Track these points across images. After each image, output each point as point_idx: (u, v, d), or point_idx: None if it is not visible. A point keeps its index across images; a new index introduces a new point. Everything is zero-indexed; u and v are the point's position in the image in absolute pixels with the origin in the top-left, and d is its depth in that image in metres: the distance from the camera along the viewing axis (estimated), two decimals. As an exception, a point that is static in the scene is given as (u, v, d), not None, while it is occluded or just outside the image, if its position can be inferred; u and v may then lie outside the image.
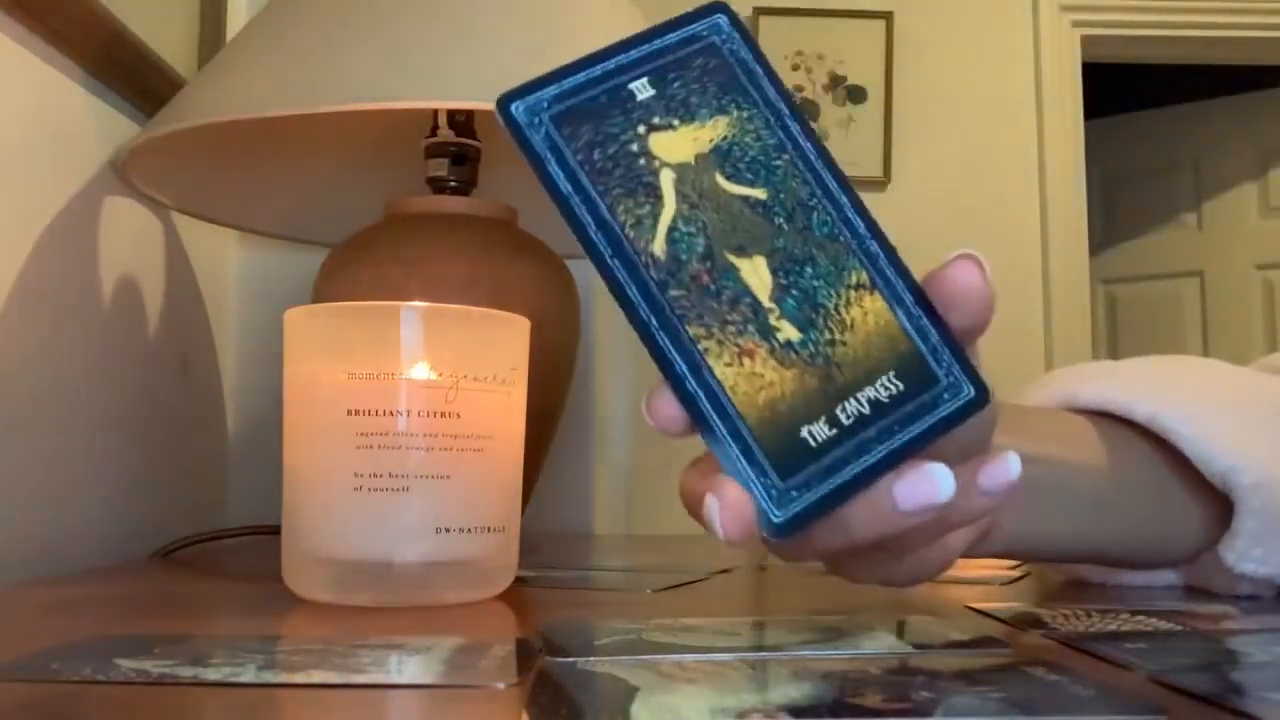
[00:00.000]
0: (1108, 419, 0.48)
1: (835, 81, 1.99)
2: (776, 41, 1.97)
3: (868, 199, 0.34)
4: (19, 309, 0.67)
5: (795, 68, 1.98)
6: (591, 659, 0.32)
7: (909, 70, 2.04)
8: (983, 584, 0.54)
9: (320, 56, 0.65)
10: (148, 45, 0.82)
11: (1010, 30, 2.11)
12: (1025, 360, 1.99)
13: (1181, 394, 0.48)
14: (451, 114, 0.79)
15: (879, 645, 0.34)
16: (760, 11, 1.98)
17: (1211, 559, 0.48)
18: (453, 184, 0.79)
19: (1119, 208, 3.37)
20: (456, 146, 0.79)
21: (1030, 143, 2.09)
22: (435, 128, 0.80)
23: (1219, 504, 0.47)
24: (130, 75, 0.80)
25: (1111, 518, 0.46)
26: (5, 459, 0.65)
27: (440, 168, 0.79)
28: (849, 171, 0.34)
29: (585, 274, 0.88)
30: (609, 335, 1.20)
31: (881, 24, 2.03)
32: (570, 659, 0.32)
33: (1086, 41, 2.16)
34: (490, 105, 0.64)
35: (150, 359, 0.86)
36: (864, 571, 0.39)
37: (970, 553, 0.42)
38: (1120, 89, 3.13)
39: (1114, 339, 3.33)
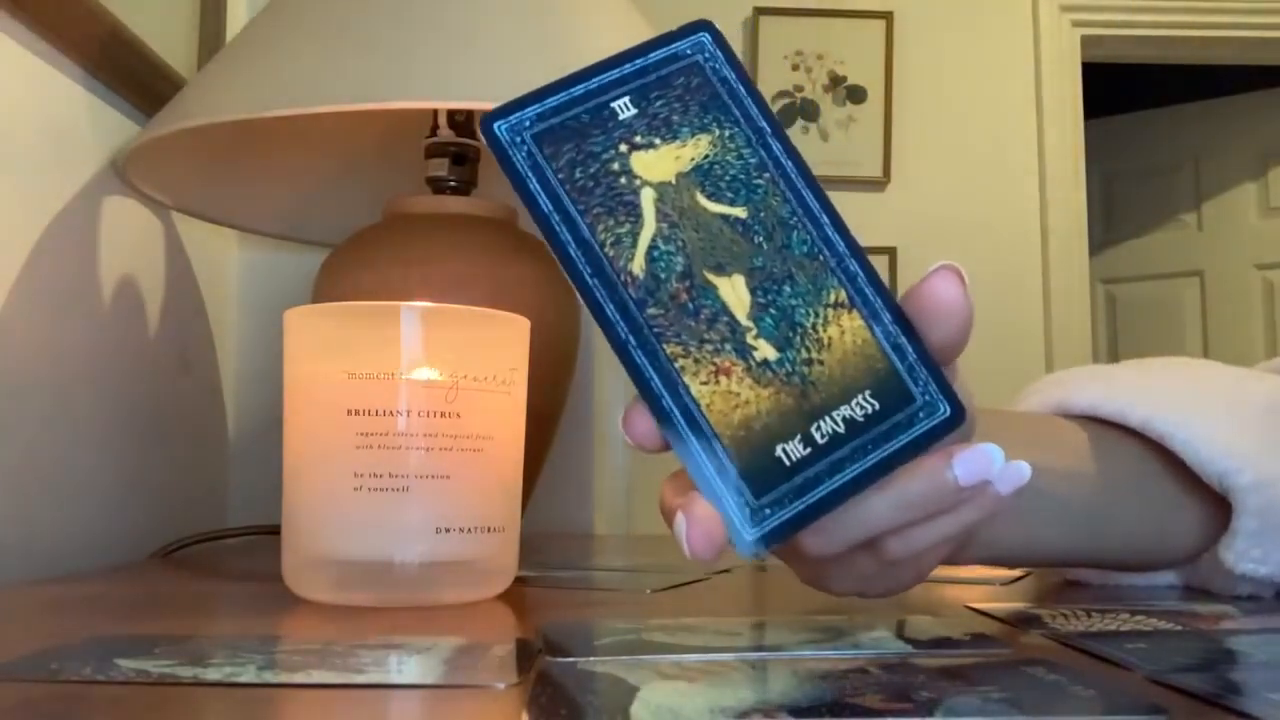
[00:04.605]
0: (1101, 424, 0.48)
1: (835, 81, 1.99)
2: (776, 41, 1.97)
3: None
4: (19, 309, 0.67)
5: (795, 68, 1.98)
6: (591, 659, 0.32)
7: (909, 70, 2.04)
8: (983, 584, 0.54)
9: (320, 56, 0.65)
10: (148, 45, 0.82)
11: (1010, 30, 2.11)
12: (1025, 360, 1.99)
13: (1174, 397, 0.48)
14: (451, 114, 0.79)
15: (879, 645, 0.34)
16: (760, 11, 1.98)
17: (1210, 560, 0.48)
18: (453, 184, 0.80)
19: (1119, 208, 3.37)
20: (456, 146, 0.79)
21: (1030, 143, 2.09)
22: (435, 128, 0.80)
23: (1215, 505, 0.47)
24: (130, 75, 0.80)
25: (1105, 522, 0.46)
26: (5, 459, 0.65)
27: (440, 168, 0.79)
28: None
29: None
30: (609, 335, 1.20)
31: (881, 24, 2.03)
32: (570, 659, 0.32)
33: (1086, 41, 2.16)
34: (490, 105, 0.65)
35: (150, 359, 0.86)
36: (842, 582, 0.39)
37: (951, 561, 0.42)
38: (1120, 89, 3.13)
39: (1114, 339, 3.33)
